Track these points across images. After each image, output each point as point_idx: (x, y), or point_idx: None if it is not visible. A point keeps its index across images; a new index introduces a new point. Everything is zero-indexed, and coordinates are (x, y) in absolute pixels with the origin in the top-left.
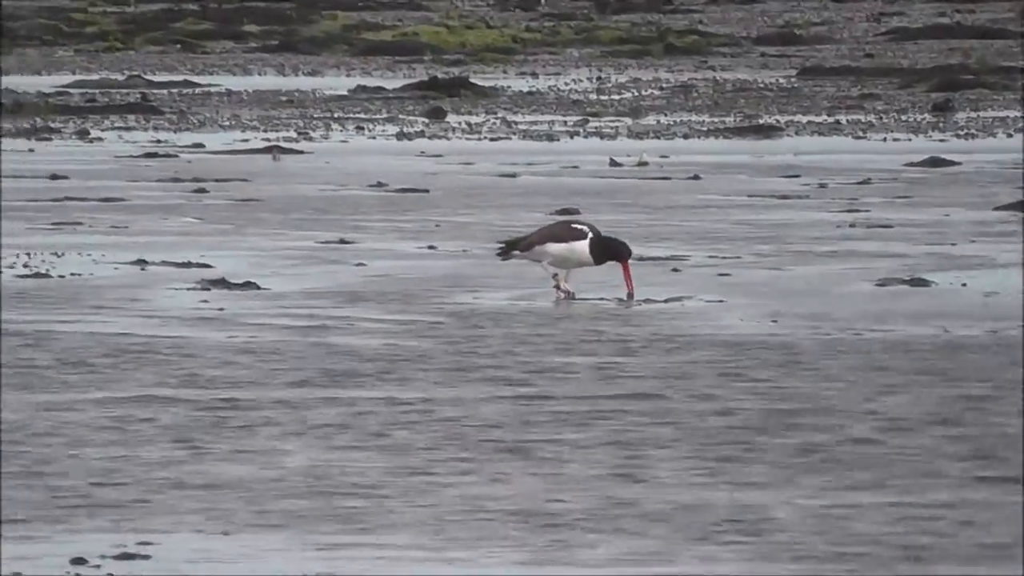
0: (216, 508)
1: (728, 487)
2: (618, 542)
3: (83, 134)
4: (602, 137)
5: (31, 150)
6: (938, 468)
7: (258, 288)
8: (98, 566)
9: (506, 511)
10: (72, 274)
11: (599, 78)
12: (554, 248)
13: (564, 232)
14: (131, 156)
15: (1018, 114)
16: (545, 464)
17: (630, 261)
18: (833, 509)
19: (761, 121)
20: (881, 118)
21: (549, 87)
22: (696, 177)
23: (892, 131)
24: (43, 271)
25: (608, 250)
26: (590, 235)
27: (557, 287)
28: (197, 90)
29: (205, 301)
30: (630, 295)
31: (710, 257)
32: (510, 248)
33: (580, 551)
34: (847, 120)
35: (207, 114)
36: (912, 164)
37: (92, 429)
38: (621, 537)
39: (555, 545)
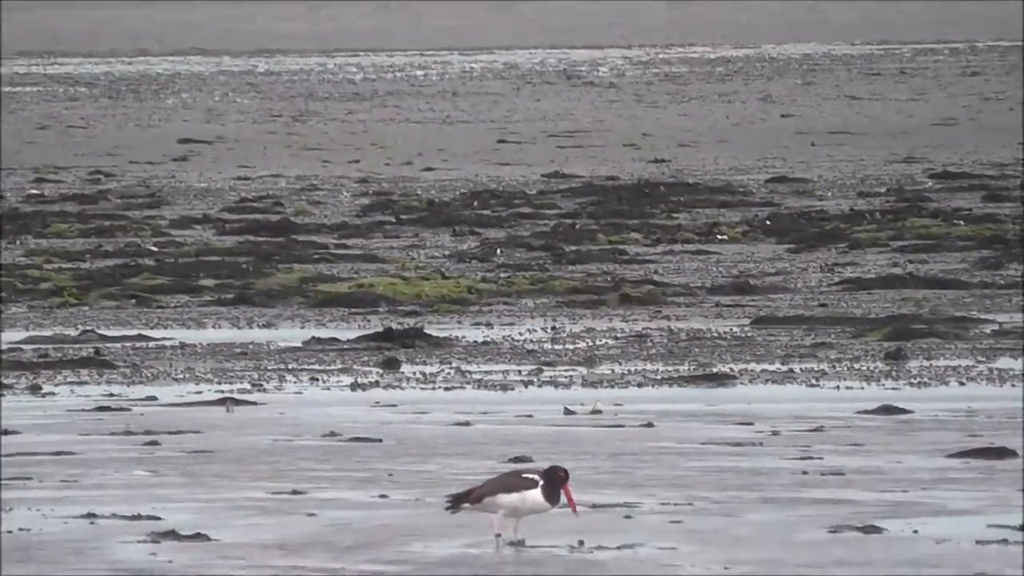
0: None
1: None
2: None
3: (35, 389)
4: (556, 386)
5: None
6: None
7: (208, 539)
8: None
9: None
10: (20, 529)
11: (554, 328)
12: (506, 499)
13: (515, 482)
14: (83, 410)
15: (970, 363)
16: None
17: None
18: None
19: (715, 370)
20: (834, 366)
21: (504, 337)
22: (649, 425)
23: (845, 379)
24: None
25: (555, 485)
26: (541, 482)
27: (498, 541)
28: (151, 344)
29: (154, 554)
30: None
31: (662, 504)
32: (459, 501)
33: None
34: (800, 368)
35: (160, 367)
36: (865, 412)
37: None
38: None
39: None
